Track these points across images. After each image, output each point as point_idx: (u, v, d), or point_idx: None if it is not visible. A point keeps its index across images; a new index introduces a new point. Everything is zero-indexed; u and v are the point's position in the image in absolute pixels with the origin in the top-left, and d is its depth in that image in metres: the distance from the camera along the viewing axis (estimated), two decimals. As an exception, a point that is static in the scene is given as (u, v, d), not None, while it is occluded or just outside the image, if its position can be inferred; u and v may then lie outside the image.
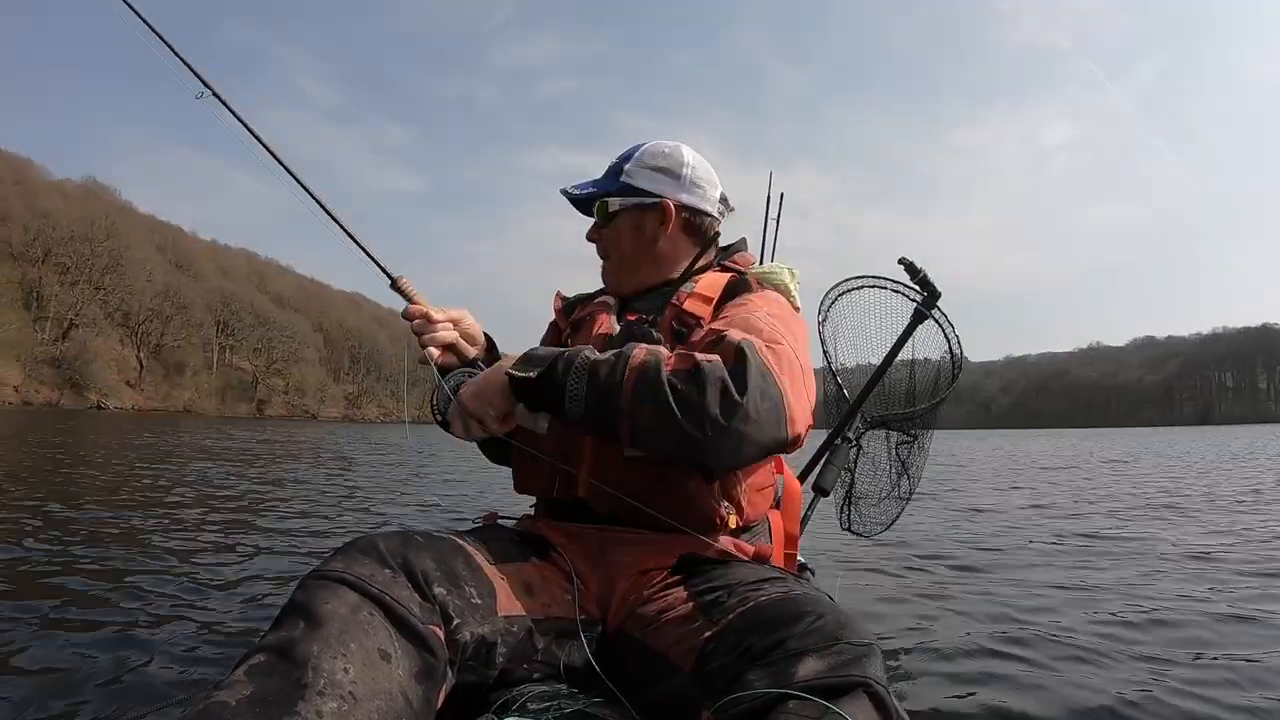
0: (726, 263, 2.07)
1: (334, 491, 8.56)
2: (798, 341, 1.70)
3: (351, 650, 1.21)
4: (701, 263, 2.06)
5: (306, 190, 1.91)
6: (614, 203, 2.03)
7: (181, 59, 2.01)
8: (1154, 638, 3.17)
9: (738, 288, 1.91)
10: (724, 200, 2.11)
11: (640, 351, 1.52)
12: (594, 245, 2.11)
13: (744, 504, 1.76)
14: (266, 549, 4.64)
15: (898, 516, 3.42)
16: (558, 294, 2.28)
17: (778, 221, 3.56)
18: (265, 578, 3.75)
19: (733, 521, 1.74)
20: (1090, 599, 3.90)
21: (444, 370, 1.82)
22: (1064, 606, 3.72)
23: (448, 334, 1.90)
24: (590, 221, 2.10)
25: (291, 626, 1.23)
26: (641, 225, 2.02)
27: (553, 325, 2.21)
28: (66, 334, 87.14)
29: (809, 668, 1.14)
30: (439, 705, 1.34)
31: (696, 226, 2.04)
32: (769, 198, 3.53)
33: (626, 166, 2.04)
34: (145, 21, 2.07)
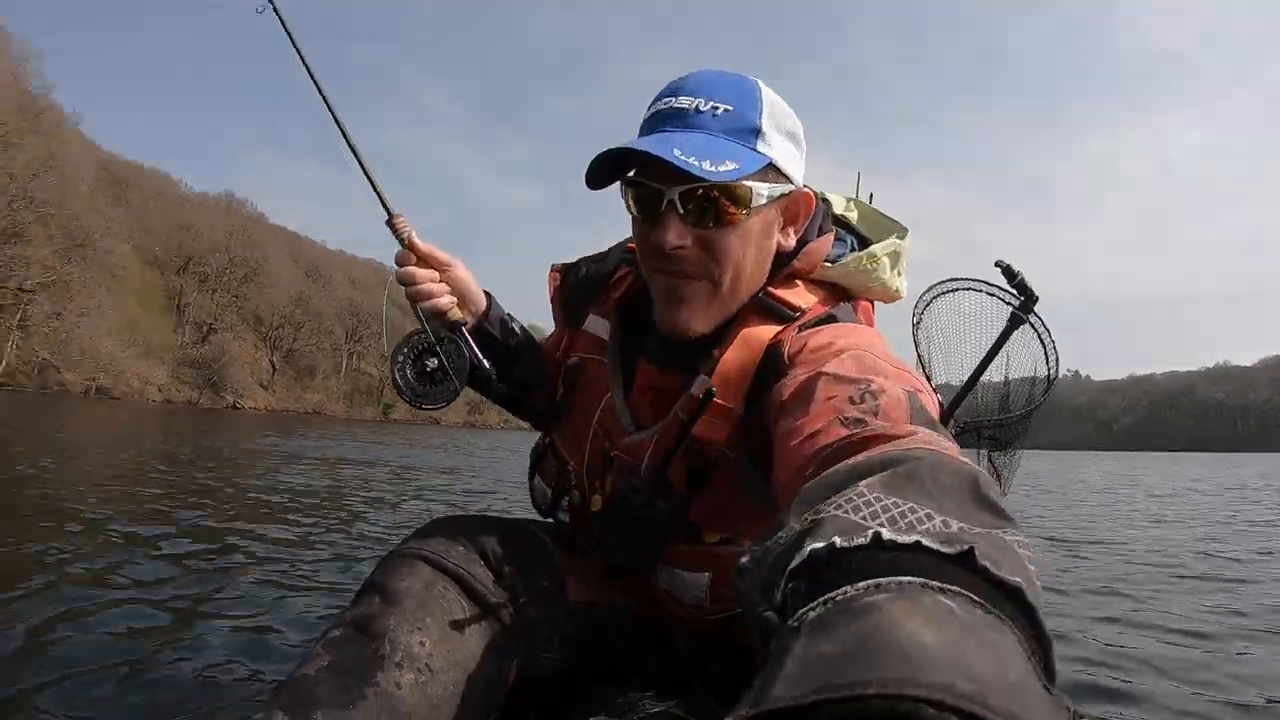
0: (770, 293, 1.41)
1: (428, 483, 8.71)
2: (912, 388, 1.06)
3: (427, 624, 1.24)
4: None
5: (331, 111, 1.60)
6: (760, 191, 1.31)
7: None
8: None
9: (771, 365, 1.31)
10: None
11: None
12: (646, 246, 1.39)
13: None
14: (357, 537, 4.78)
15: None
16: (553, 269, 1.80)
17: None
18: (355, 566, 3.86)
19: None
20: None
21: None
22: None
23: (442, 288, 1.56)
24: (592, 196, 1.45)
25: (369, 602, 1.28)
26: (771, 229, 1.40)
27: (554, 329, 1.86)
28: (206, 338, 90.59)
29: None
30: (513, 679, 1.37)
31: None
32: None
33: (763, 123, 1.33)
34: None
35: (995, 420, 3.37)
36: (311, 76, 1.63)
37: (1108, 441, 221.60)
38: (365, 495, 7.37)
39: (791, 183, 1.37)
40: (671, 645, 1.61)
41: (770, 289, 1.40)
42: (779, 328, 1.36)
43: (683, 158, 1.21)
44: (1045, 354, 3.26)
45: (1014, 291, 3.15)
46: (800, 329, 1.34)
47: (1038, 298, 3.11)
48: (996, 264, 3.15)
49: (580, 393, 1.61)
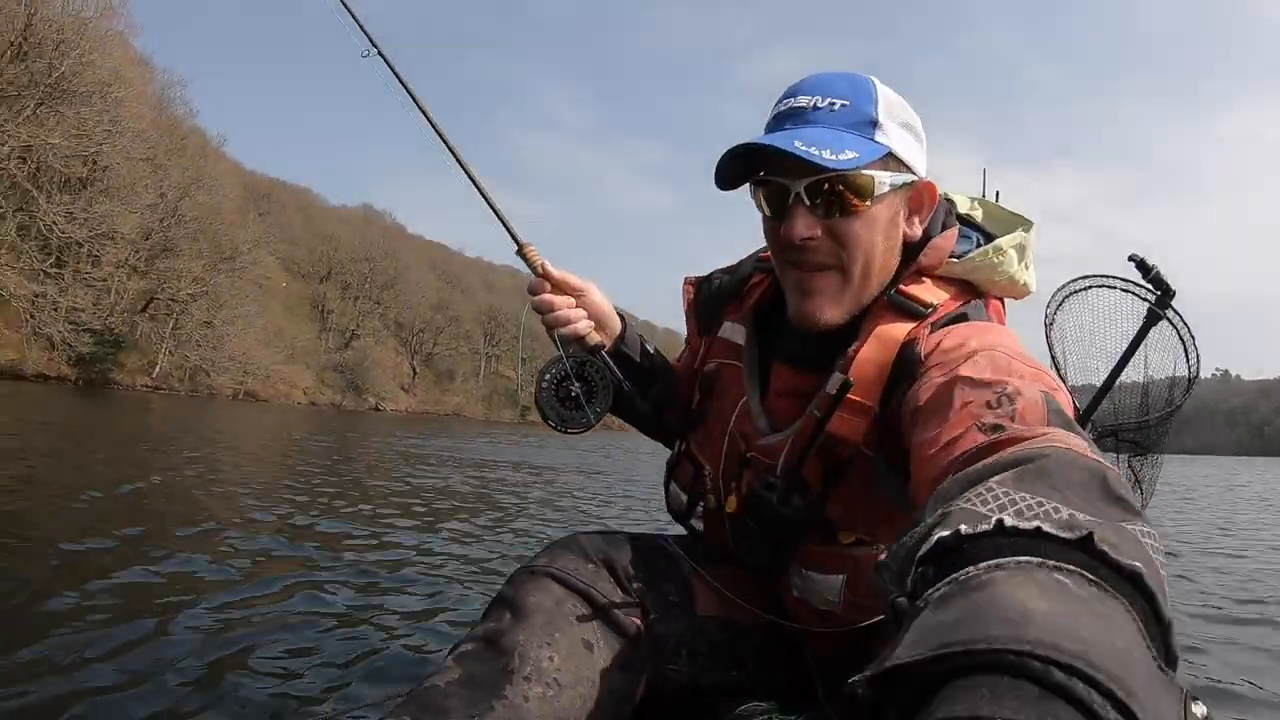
0: (901, 290, 1.41)
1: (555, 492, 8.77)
2: (1048, 388, 1.04)
3: (556, 639, 1.27)
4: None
5: (450, 149, 1.68)
6: (883, 180, 1.34)
7: (353, 14, 1.81)
8: None
9: (907, 365, 1.29)
10: None
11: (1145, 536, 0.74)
12: (776, 242, 1.42)
13: None
14: (488, 546, 4.82)
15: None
16: (687, 281, 1.82)
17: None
18: (481, 577, 3.87)
19: None
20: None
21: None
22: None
23: (579, 313, 1.60)
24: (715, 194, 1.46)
25: (499, 617, 1.31)
26: (897, 218, 1.42)
27: (689, 336, 1.84)
28: (349, 344, 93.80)
29: None
30: (639, 695, 1.38)
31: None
32: (983, 196, 3.41)
33: (879, 115, 1.36)
34: None
35: (1134, 423, 3.19)
36: (429, 119, 1.70)
37: (1260, 446, 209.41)
38: (502, 497, 7.55)
39: (913, 172, 1.40)
40: (801, 659, 1.58)
41: (900, 286, 1.41)
42: (912, 324, 1.35)
43: (804, 148, 1.26)
44: (1185, 351, 3.10)
45: (1149, 286, 2.97)
46: (933, 327, 1.33)
47: (1174, 292, 2.94)
48: (1130, 258, 2.99)
49: (717, 398, 1.62)
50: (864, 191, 1.32)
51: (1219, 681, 2.71)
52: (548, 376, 1.58)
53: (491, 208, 1.63)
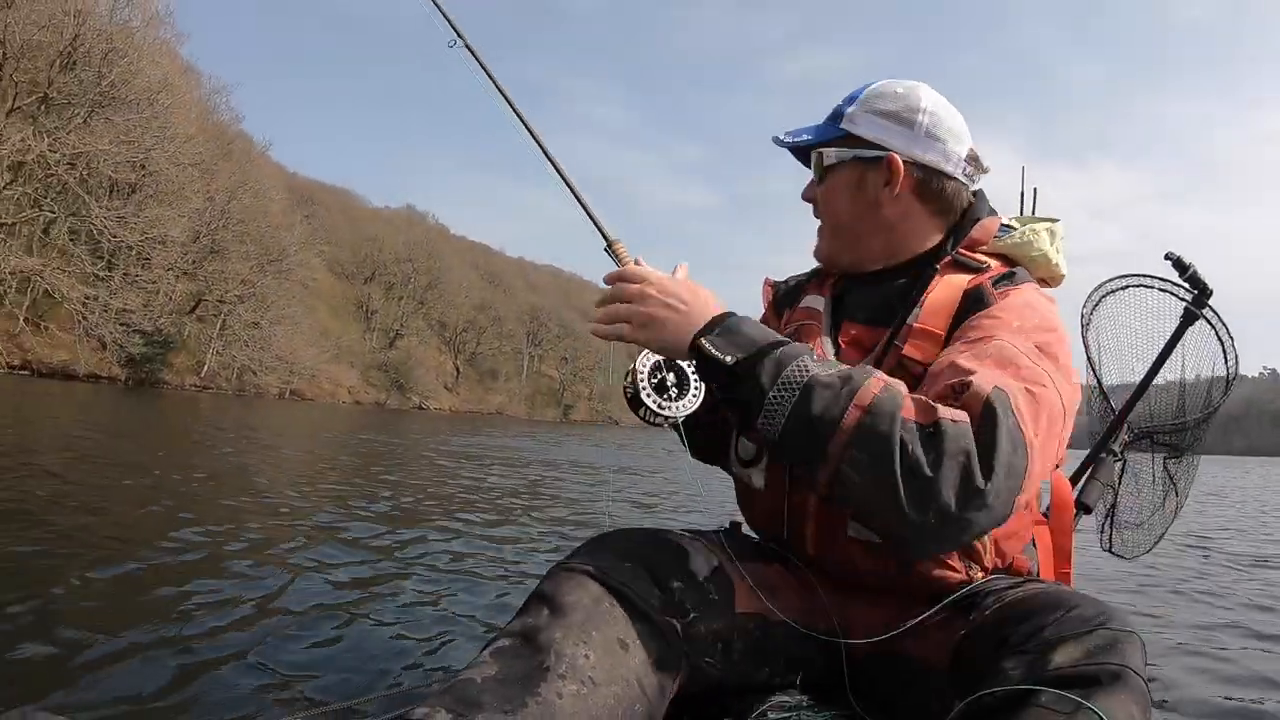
0: (961, 252, 1.65)
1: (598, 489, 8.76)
2: (1061, 364, 1.42)
3: (592, 638, 1.27)
4: (948, 242, 1.68)
5: (537, 141, 1.74)
6: (829, 154, 1.68)
7: (438, 6, 1.88)
8: None
9: (972, 303, 1.54)
10: (974, 160, 1.69)
11: (876, 383, 1.23)
12: (811, 206, 1.78)
13: (992, 557, 1.55)
14: (528, 542, 4.82)
15: (1162, 536, 3.13)
16: (766, 282, 2.01)
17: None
18: (516, 572, 3.88)
19: (978, 575, 1.54)
20: None
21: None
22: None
23: None
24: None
25: (536, 614, 1.31)
26: (862, 184, 1.66)
27: (764, 321, 1.94)
28: (393, 343, 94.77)
29: (1066, 654, 1.11)
30: (673, 694, 1.38)
31: (936, 192, 1.66)
32: (1022, 194, 3.35)
33: (848, 110, 1.67)
34: None
35: (1170, 425, 3.12)
36: (514, 108, 1.78)
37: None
38: (541, 492, 7.58)
39: (878, 149, 1.65)
40: (833, 657, 1.57)
41: (960, 250, 1.66)
42: (971, 276, 1.60)
43: (778, 136, 1.75)
44: (1224, 352, 3.00)
45: (1186, 285, 2.90)
46: (994, 281, 1.57)
47: (1212, 291, 2.86)
48: (1166, 256, 2.92)
49: None
50: (818, 163, 1.72)
51: (1230, 699, 2.63)
52: (645, 364, 1.60)
53: (580, 203, 1.70)
